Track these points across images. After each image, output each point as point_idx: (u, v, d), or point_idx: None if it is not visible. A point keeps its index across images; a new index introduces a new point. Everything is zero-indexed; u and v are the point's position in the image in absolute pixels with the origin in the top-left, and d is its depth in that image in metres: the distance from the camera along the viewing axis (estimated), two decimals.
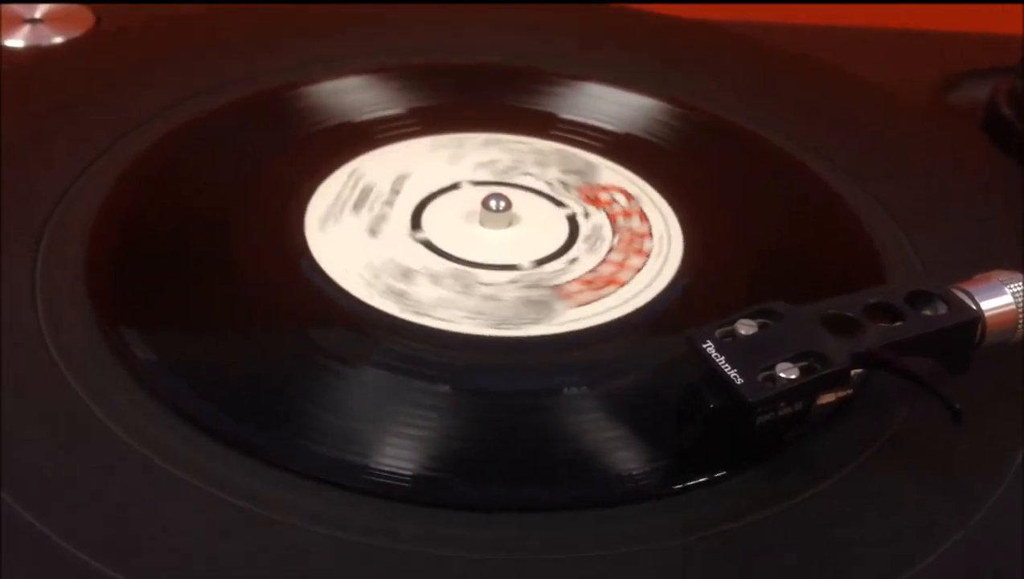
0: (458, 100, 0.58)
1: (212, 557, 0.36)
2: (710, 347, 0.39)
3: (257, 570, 0.36)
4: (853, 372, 0.39)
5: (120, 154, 0.52)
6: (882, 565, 0.37)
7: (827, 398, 0.40)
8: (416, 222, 0.50)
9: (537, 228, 0.50)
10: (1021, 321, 0.41)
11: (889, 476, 0.40)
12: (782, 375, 0.38)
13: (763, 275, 0.49)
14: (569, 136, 0.56)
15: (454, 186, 0.52)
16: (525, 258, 0.49)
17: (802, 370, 0.38)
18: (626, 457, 0.40)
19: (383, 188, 0.51)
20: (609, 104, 0.58)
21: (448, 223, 0.50)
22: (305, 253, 0.47)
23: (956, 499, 0.40)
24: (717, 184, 0.54)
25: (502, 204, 0.49)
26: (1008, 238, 0.51)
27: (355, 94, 0.57)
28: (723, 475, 0.39)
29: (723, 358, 0.38)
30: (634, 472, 0.40)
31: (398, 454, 0.39)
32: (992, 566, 0.38)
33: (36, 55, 0.62)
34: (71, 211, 0.49)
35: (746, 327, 0.39)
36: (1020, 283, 0.41)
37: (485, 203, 0.49)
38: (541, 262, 0.49)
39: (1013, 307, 0.41)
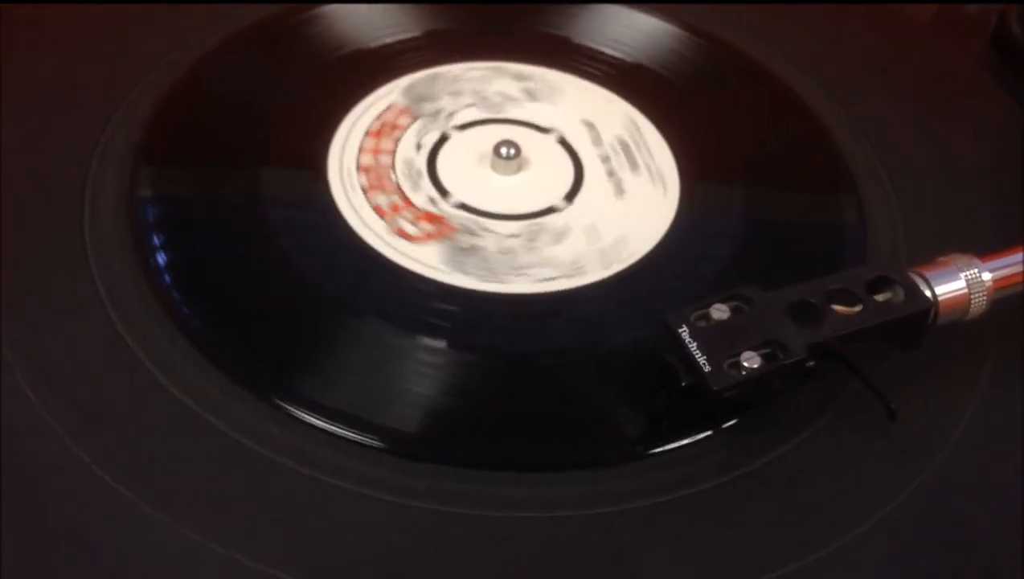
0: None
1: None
2: (685, 332, 0.43)
3: None
4: None
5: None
6: (830, 526, 0.43)
7: None
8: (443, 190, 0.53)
9: (544, 163, 0.54)
10: (972, 304, 0.45)
11: (842, 439, 0.45)
12: (745, 364, 0.43)
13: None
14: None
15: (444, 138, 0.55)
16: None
17: (764, 358, 0.43)
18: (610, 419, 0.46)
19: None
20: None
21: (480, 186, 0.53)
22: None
23: (902, 461, 0.45)
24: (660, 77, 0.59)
25: (512, 151, 0.53)
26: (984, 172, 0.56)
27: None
28: (692, 442, 0.45)
29: (695, 344, 0.43)
30: (615, 435, 0.45)
31: (398, 411, 0.45)
32: (936, 524, 0.43)
33: None
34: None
35: (719, 312, 0.44)
36: (975, 269, 0.45)
37: (496, 151, 0.53)
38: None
39: (965, 292, 0.45)
